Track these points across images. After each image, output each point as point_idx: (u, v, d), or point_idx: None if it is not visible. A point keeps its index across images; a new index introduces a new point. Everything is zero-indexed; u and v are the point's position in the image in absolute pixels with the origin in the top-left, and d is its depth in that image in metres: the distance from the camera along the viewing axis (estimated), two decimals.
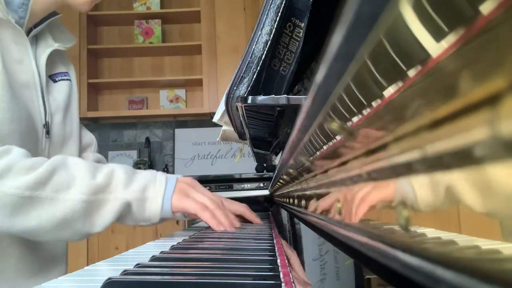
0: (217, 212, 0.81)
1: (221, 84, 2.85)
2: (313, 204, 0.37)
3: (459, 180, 0.11)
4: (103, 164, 0.80)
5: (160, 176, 0.81)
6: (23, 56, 0.84)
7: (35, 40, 0.90)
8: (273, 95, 0.52)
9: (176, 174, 0.85)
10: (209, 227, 0.90)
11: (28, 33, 0.87)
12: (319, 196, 0.34)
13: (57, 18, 0.96)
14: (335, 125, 0.22)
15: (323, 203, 0.32)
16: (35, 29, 0.89)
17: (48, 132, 0.88)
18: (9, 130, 0.77)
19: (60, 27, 0.99)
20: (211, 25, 2.90)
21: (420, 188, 0.14)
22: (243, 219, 1.06)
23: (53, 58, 0.93)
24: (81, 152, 1.06)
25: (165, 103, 3.04)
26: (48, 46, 0.91)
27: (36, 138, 0.85)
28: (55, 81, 0.93)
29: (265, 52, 0.54)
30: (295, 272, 0.43)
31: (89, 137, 1.10)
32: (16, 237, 0.81)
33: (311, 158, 0.33)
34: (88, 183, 0.73)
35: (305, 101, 0.25)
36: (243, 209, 1.04)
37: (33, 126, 0.84)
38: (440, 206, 0.13)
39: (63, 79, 0.96)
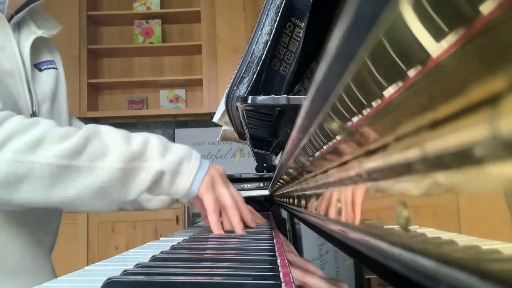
0: (231, 212, 0.79)
1: (221, 84, 2.85)
2: (313, 204, 0.37)
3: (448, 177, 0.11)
4: (136, 133, 0.79)
5: (195, 154, 0.79)
6: (5, 43, 0.82)
7: (17, 28, 0.88)
8: (273, 95, 0.52)
9: (209, 161, 0.83)
10: (209, 227, 0.90)
11: (9, 20, 0.85)
12: (319, 196, 0.34)
13: (39, 5, 0.92)
14: (335, 125, 0.22)
15: (323, 203, 0.32)
16: (16, 15, 0.85)
17: None
18: None
19: (43, 14, 0.95)
20: (211, 25, 2.90)
21: (419, 187, 0.14)
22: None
23: (37, 46, 0.90)
24: None
25: (165, 103, 3.04)
26: (31, 33, 0.88)
27: None
28: (40, 70, 0.91)
29: (265, 52, 0.54)
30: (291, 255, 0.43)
31: (81, 126, 1.08)
32: (15, 232, 0.81)
33: (311, 158, 0.33)
34: (123, 150, 0.72)
35: (305, 101, 0.25)
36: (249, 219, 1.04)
37: (19, 114, 0.82)
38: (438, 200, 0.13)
39: (49, 68, 0.93)
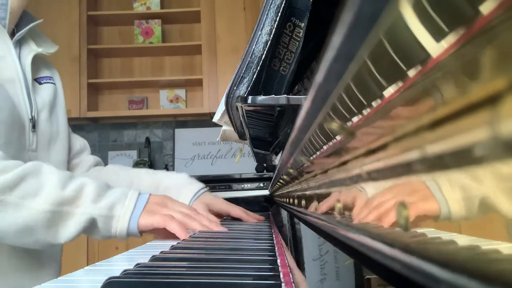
0: (186, 220, 0.80)
1: (221, 84, 2.85)
2: (313, 204, 0.37)
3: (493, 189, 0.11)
4: (77, 176, 0.79)
5: (132, 194, 0.80)
6: (5, 53, 0.87)
7: (19, 45, 0.93)
8: (273, 95, 0.52)
9: (147, 193, 0.84)
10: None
11: (11, 37, 0.90)
12: (319, 196, 0.34)
13: (38, 27, 0.99)
14: (335, 125, 0.22)
15: (323, 203, 0.32)
16: (18, 33, 0.91)
17: (34, 127, 0.89)
18: None
19: (41, 35, 1.02)
20: (211, 25, 2.90)
21: (456, 201, 0.14)
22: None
23: (37, 62, 0.96)
24: (76, 157, 1.08)
25: (165, 103, 3.04)
26: (31, 50, 0.94)
27: (22, 131, 0.86)
28: (40, 83, 0.96)
29: (265, 52, 0.54)
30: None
31: (82, 142, 1.12)
32: None
33: (311, 158, 0.33)
34: (55, 193, 0.72)
35: (305, 101, 0.25)
36: (239, 213, 1.05)
37: (18, 118, 0.85)
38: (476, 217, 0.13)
39: (48, 82, 0.99)
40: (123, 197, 0.79)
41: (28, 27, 0.92)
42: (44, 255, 0.90)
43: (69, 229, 0.74)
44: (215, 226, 0.82)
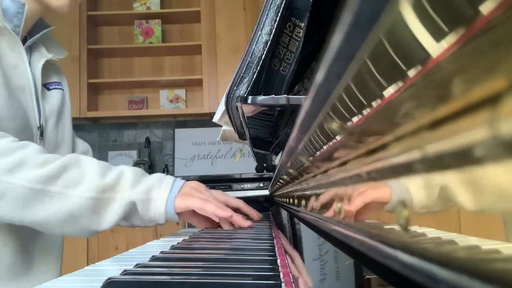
0: (220, 206, 0.84)
1: (221, 84, 2.85)
2: (313, 204, 0.37)
3: (456, 180, 0.11)
4: (115, 166, 0.83)
5: (167, 179, 0.84)
6: (18, 61, 0.89)
7: (30, 51, 0.95)
8: (273, 95, 0.52)
9: (183, 180, 0.88)
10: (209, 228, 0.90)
11: (23, 42, 0.92)
12: (319, 196, 0.34)
13: (51, 32, 1.01)
14: (335, 125, 0.22)
15: (323, 203, 0.32)
16: (30, 39, 0.93)
17: (42, 134, 0.91)
18: (6, 127, 0.80)
19: (52, 40, 1.04)
20: (211, 25, 2.90)
21: (418, 188, 0.14)
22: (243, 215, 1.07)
23: (47, 68, 0.98)
24: None
25: (165, 103, 3.04)
26: (42, 56, 0.96)
27: (30, 139, 0.87)
28: (49, 89, 0.98)
29: (265, 52, 0.54)
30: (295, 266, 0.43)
31: (85, 145, 1.14)
32: (10, 237, 0.83)
33: (311, 158, 0.33)
34: (97, 181, 0.76)
35: (305, 101, 0.25)
36: (242, 205, 1.06)
37: (28, 126, 0.87)
38: (436, 207, 0.13)
39: (56, 88, 1.01)
40: (158, 182, 0.82)
41: (39, 34, 0.94)
42: (44, 261, 0.90)
43: (111, 215, 0.77)
44: (245, 223, 0.87)
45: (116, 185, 0.78)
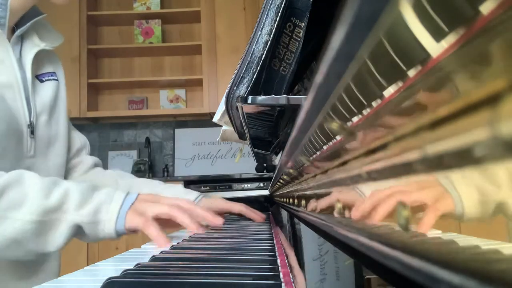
0: (181, 215, 0.77)
1: (221, 84, 2.85)
2: (313, 204, 0.37)
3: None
4: (61, 182, 0.76)
5: (118, 195, 0.78)
6: (3, 56, 0.83)
7: (20, 40, 0.89)
8: (273, 95, 0.52)
9: (136, 193, 0.81)
10: (209, 227, 0.90)
11: (12, 33, 0.87)
12: (319, 196, 0.34)
13: (45, 19, 0.94)
14: (335, 125, 0.22)
15: (323, 203, 0.32)
16: (19, 29, 0.87)
17: (32, 132, 0.86)
18: None
19: (47, 26, 0.97)
20: (211, 25, 2.90)
21: (472, 201, 0.14)
22: (244, 217, 1.07)
23: (40, 58, 0.91)
24: (76, 156, 1.05)
25: (165, 103, 3.04)
26: (34, 46, 0.90)
27: (20, 139, 0.83)
28: (41, 81, 0.92)
29: (265, 52, 0.54)
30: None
31: (82, 139, 1.08)
32: None
33: (311, 158, 0.33)
34: (40, 203, 0.70)
35: (305, 101, 0.25)
36: (240, 208, 1.04)
37: (16, 126, 0.83)
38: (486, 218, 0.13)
39: (50, 79, 0.94)
40: (108, 200, 0.76)
41: (28, 24, 0.88)
42: (42, 263, 0.89)
43: (57, 237, 0.72)
44: (212, 219, 0.81)
45: (61, 206, 0.73)
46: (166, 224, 0.80)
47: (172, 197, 0.84)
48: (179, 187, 1.04)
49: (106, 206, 0.76)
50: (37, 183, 0.72)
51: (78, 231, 0.75)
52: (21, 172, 0.73)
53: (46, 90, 0.92)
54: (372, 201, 0.19)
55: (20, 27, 0.87)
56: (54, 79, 0.95)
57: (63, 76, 1.01)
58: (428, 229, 0.14)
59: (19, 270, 0.83)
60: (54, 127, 0.93)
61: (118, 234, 0.76)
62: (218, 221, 0.81)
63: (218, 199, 1.04)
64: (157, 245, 0.72)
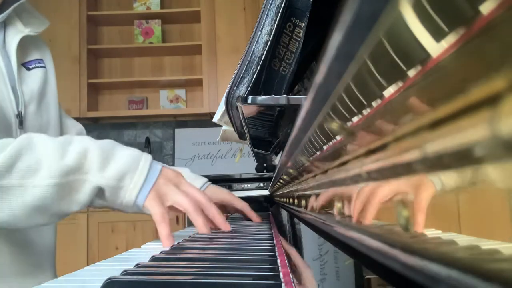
0: (197, 213, 0.74)
1: (221, 84, 2.85)
2: (313, 204, 0.37)
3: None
4: (75, 140, 0.72)
5: (143, 162, 0.73)
6: None
7: (3, 27, 0.85)
8: (273, 95, 0.52)
9: (161, 164, 0.77)
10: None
11: None
12: (319, 196, 0.34)
13: (26, 2, 0.88)
14: (335, 125, 0.22)
15: (323, 203, 0.32)
16: (0, 15, 0.83)
17: (21, 123, 0.82)
18: None
19: (30, 10, 0.91)
20: (211, 25, 2.90)
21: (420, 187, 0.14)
22: (243, 217, 1.07)
23: (25, 44, 0.87)
24: None
25: (165, 103, 3.05)
26: (17, 32, 0.85)
27: (8, 130, 0.80)
28: (28, 69, 0.88)
29: (265, 52, 0.54)
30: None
31: (78, 127, 1.04)
32: (5, 236, 0.80)
33: (311, 158, 0.33)
34: (56, 165, 0.67)
35: (305, 101, 0.25)
36: (243, 205, 1.04)
37: (3, 117, 0.79)
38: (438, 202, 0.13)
39: (37, 67, 0.89)
40: (133, 166, 0.72)
41: (9, 10, 0.83)
42: (39, 259, 0.88)
43: (81, 196, 0.69)
44: (223, 223, 0.78)
45: (81, 166, 0.69)
46: (174, 211, 0.78)
47: (193, 186, 0.80)
48: (186, 171, 1.00)
49: (131, 174, 0.72)
50: (49, 144, 0.69)
51: (97, 194, 0.72)
52: (29, 136, 0.70)
53: (34, 78, 0.88)
54: (371, 201, 0.19)
55: (1, 13, 0.84)
56: (41, 66, 0.91)
57: (52, 63, 0.96)
58: (424, 214, 0.14)
59: (21, 273, 0.82)
60: (45, 116, 0.90)
61: (135, 207, 0.73)
62: (227, 227, 0.78)
63: (224, 191, 1.03)
64: (162, 244, 0.71)
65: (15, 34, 0.85)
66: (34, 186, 0.66)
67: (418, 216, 0.15)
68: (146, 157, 0.75)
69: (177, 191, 0.74)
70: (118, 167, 0.71)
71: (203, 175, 1.08)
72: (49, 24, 0.95)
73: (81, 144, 0.71)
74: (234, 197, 1.03)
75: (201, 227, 0.74)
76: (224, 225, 0.79)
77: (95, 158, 0.70)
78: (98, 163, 0.70)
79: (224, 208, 1.07)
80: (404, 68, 0.13)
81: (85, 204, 0.71)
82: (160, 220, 0.71)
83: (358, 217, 0.22)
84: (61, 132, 0.97)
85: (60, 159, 0.68)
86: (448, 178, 0.12)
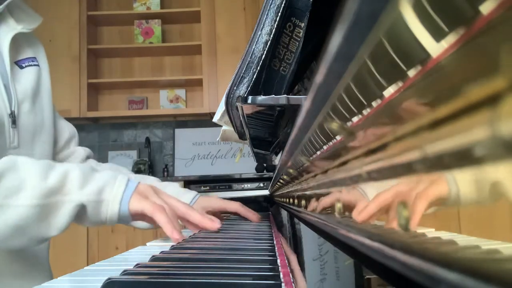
0: (173, 219, 0.74)
1: (221, 84, 2.85)
2: (313, 204, 0.37)
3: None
4: (57, 164, 0.73)
5: (121, 178, 0.75)
6: None
7: None
8: (273, 95, 0.52)
9: (137, 181, 0.78)
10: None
11: None
12: (319, 196, 0.34)
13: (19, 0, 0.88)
14: (335, 125, 0.22)
15: (323, 203, 0.32)
16: None
17: (14, 122, 0.81)
18: None
19: (22, 7, 0.90)
20: (211, 25, 2.90)
21: (466, 182, 0.14)
22: (241, 217, 1.07)
23: (18, 42, 0.86)
24: (65, 147, 1.00)
25: (165, 103, 3.04)
26: (10, 30, 0.84)
27: (1, 129, 0.79)
28: (21, 67, 0.86)
29: (265, 52, 0.54)
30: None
31: (71, 129, 1.03)
32: None
33: (311, 158, 0.33)
34: (39, 186, 0.67)
35: (305, 101, 0.25)
36: (236, 207, 1.04)
37: None
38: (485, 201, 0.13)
39: (31, 65, 0.88)
40: (112, 181, 0.73)
41: (1, 6, 0.83)
42: (34, 260, 0.88)
43: (60, 220, 0.69)
44: (209, 222, 0.78)
45: (63, 187, 0.70)
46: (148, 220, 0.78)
47: (171, 194, 0.81)
48: (174, 185, 1.01)
49: (110, 187, 0.73)
50: (33, 166, 0.69)
51: (80, 212, 0.71)
52: (12, 158, 0.70)
53: (27, 76, 0.87)
54: (372, 201, 0.19)
55: None
56: (35, 65, 0.90)
57: (46, 61, 0.95)
58: (421, 214, 0.14)
59: (17, 274, 0.82)
60: (39, 115, 0.88)
61: (121, 217, 0.73)
62: (215, 225, 0.78)
63: (213, 198, 1.03)
64: (166, 232, 0.70)
65: (8, 31, 0.84)
66: (16, 206, 0.66)
67: (418, 216, 0.15)
68: (123, 175, 0.76)
69: (157, 197, 0.75)
70: (97, 183, 0.72)
71: (203, 175, 1.08)
72: (42, 20, 0.94)
73: (62, 167, 0.72)
74: (225, 202, 1.03)
75: (169, 234, 0.72)
76: (211, 224, 0.78)
77: (76, 178, 0.71)
78: (78, 183, 0.71)
79: (218, 215, 1.06)
80: (404, 68, 0.13)
81: (64, 228, 0.71)
82: (155, 208, 0.71)
83: (358, 217, 0.22)
84: (55, 133, 0.96)
85: (42, 180, 0.68)
86: (448, 178, 0.12)
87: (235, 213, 1.07)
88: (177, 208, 0.78)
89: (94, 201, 0.71)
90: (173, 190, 0.98)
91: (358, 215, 0.22)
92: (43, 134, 0.89)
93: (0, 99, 0.80)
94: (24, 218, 0.66)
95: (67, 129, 1.02)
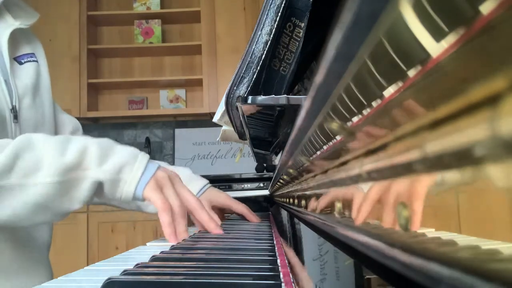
0: (180, 219, 0.74)
1: (221, 84, 2.85)
2: (313, 204, 0.37)
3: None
4: (74, 138, 0.73)
5: (141, 156, 0.74)
6: None
7: None
8: (273, 95, 0.52)
9: (160, 162, 0.78)
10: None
11: None
12: (319, 196, 0.34)
13: None
14: (335, 125, 0.22)
15: (323, 203, 0.32)
16: None
17: (16, 117, 0.82)
18: None
19: (19, 3, 0.91)
20: (211, 25, 2.90)
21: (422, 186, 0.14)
22: (242, 218, 1.07)
23: (16, 38, 0.87)
24: None
25: (165, 103, 3.04)
26: (8, 26, 0.85)
27: (2, 124, 0.80)
28: (20, 63, 0.87)
29: (265, 52, 0.54)
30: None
31: (74, 122, 1.04)
32: (7, 232, 0.79)
33: (311, 158, 0.33)
34: (57, 162, 0.67)
35: (305, 101, 0.25)
36: (242, 209, 1.04)
37: None
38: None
39: (29, 61, 0.89)
40: (131, 160, 0.73)
41: None
42: (38, 254, 0.88)
43: (81, 194, 0.70)
44: (214, 226, 0.78)
45: (81, 163, 0.69)
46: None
47: (187, 189, 0.80)
48: (186, 171, 1.00)
49: (130, 167, 0.72)
50: (49, 143, 0.69)
51: (98, 189, 0.72)
52: (27, 135, 0.70)
53: (26, 72, 0.88)
54: (372, 201, 0.19)
55: None
56: (33, 61, 0.90)
57: (44, 57, 0.95)
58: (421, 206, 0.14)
59: (19, 271, 0.82)
60: (40, 110, 0.89)
61: (135, 199, 0.73)
62: (218, 231, 0.78)
63: (223, 194, 1.03)
64: (165, 235, 0.71)
65: (6, 27, 0.85)
66: (35, 184, 0.66)
67: (417, 216, 0.15)
68: (144, 154, 0.76)
69: (172, 190, 0.75)
70: (116, 160, 0.72)
71: (203, 175, 1.08)
72: (39, 16, 0.95)
73: (80, 142, 0.71)
74: (232, 201, 1.03)
75: (168, 236, 0.73)
76: (214, 228, 0.78)
77: (94, 154, 0.71)
78: (97, 159, 0.70)
79: (222, 212, 1.07)
80: (404, 68, 0.13)
81: (85, 201, 0.71)
82: (163, 207, 0.72)
83: (358, 217, 0.22)
84: (56, 127, 0.97)
85: (60, 157, 0.68)
86: (448, 178, 0.12)
87: (239, 214, 1.07)
88: (188, 203, 0.77)
89: (112, 179, 0.71)
90: (185, 174, 0.97)
91: (358, 215, 0.22)
92: (44, 128, 0.90)
93: (1, 94, 0.81)
94: (44, 196, 0.67)
95: (70, 122, 1.03)
